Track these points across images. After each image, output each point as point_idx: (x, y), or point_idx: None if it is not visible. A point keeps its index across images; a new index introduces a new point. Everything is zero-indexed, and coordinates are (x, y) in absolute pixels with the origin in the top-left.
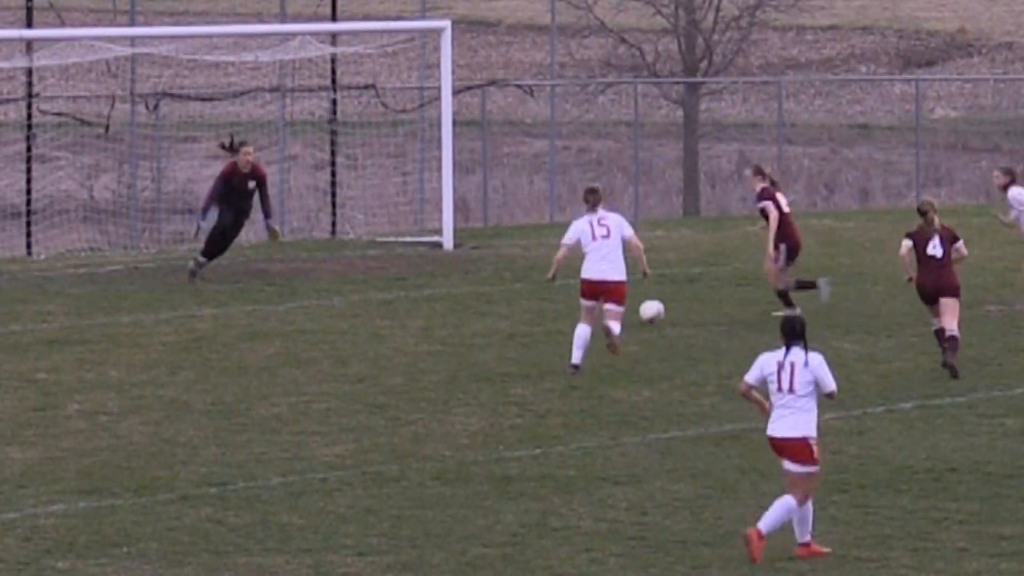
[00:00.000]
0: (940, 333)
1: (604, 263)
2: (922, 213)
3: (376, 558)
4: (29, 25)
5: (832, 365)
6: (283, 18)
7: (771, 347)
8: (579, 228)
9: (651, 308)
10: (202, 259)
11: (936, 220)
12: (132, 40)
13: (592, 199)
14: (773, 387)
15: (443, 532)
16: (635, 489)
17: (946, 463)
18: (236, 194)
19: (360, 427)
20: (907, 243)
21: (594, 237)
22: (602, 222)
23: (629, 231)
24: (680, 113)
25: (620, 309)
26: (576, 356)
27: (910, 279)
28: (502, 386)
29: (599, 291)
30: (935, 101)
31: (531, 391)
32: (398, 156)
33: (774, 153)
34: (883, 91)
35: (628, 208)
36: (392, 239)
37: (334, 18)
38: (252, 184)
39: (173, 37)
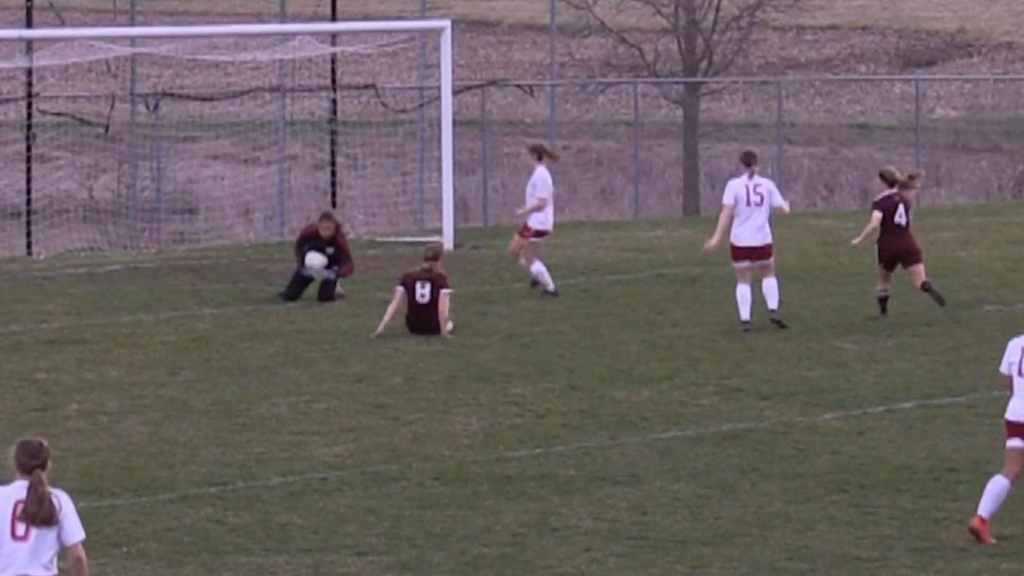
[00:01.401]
0: (884, 301)
1: (757, 231)
2: (902, 181)
3: (376, 558)
4: (29, 25)
5: (832, 365)
6: (283, 18)
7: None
8: (735, 190)
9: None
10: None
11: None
12: (132, 40)
13: (749, 161)
14: (1014, 371)
15: (443, 532)
16: (635, 489)
17: (946, 463)
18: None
19: (360, 427)
20: (877, 215)
21: (748, 202)
22: (757, 189)
23: (779, 199)
24: (680, 113)
25: (769, 262)
26: (744, 313)
27: (857, 245)
28: (502, 386)
29: (749, 255)
30: (935, 101)
31: (531, 391)
32: (398, 156)
33: (774, 153)
34: (883, 91)
35: (628, 208)
36: (392, 239)
37: (334, 18)
38: (331, 251)
39: (173, 37)
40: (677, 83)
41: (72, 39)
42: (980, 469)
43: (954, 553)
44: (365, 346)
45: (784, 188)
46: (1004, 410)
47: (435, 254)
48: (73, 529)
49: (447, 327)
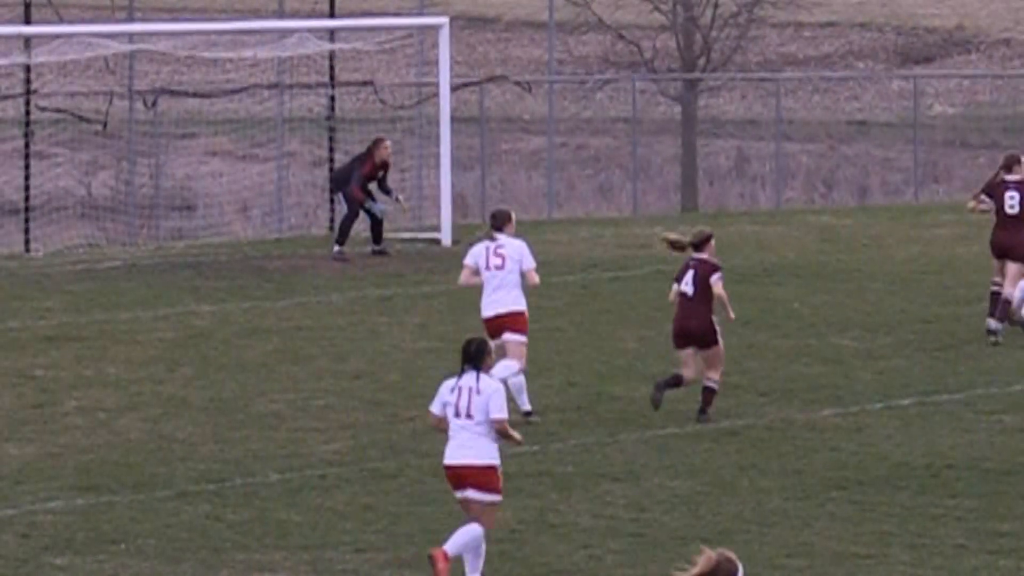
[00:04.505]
0: (995, 295)
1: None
2: (1007, 167)
3: (374, 554)
4: (27, 22)
5: (830, 362)
6: (281, 14)
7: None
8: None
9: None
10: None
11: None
12: (130, 36)
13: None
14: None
15: (441, 529)
16: (633, 486)
17: (944, 460)
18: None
19: (358, 423)
20: (987, 200)
21: (488, 266)
22: (499, 251)
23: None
24: (678, 110)
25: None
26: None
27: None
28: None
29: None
30: (933, 98)
31: (529, 387)
32: (396, 153)
33: (772, 150)
34: (881, 88)
35: (626, 204)
36: (390, 235)
37: (332, 14)
38: (381, 173)
39: (171, 33)
40: (675, 80)
41: (70, 36)
42: (978, 466)
43: (952, 550)
44: (364, 342)
45: (782, 185)
46: (1003, 406)
47: (702, 239)
48: None
49: (731, 314)
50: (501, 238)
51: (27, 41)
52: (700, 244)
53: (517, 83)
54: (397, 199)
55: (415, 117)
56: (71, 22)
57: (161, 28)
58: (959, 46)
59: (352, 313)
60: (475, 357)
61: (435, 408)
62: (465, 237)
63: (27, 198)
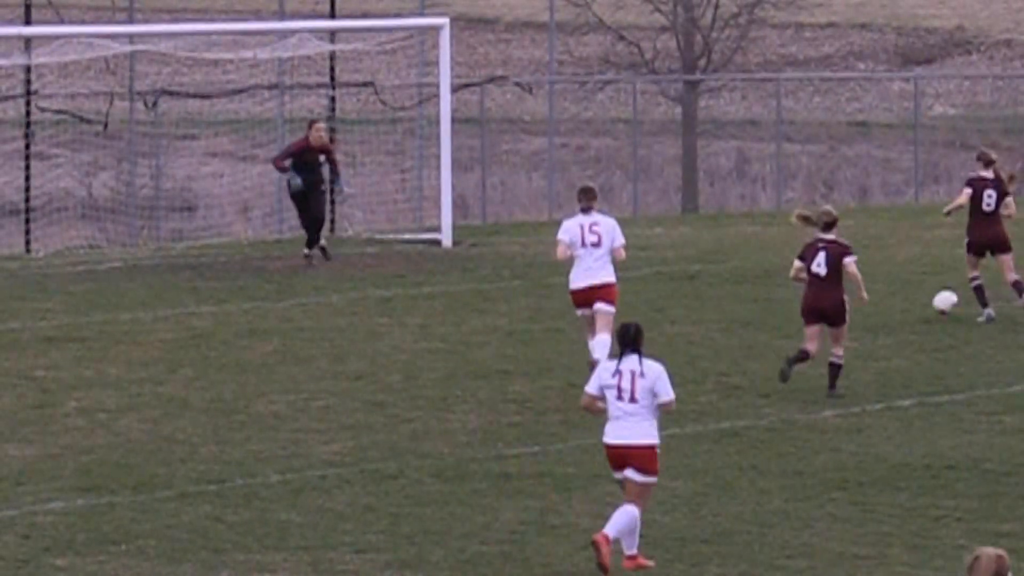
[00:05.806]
0: (980, 289)
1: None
2: (987, 163)
3: (374, 556)
4: (28, 22)
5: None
6: (281, 15)
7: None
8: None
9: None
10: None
11: (998, 173)
12: (131, 37)
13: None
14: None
15: (442, 530)
16: None
17: (944, 460)
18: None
19: (359, 425)
20: (967, 191)
21: (584, 243)
22: (594, 228)
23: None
24: (679, 110)
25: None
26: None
27: (948, 213)
28: (501, 384)
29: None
30: (934, 99)
31: (530, 388)
32: (397, 153)
33: (772, 151)
34: (882, 88)
35: (627, 205)
36: (390, 236)
37: (333, 15)
38: (321, 159)
39: (172, 34)
40: (676, 80)
41: (71, 36)
42: (978, 466)
43: (952, 550)
44: (364, 343)
45: (783, 186)
46: (1004, 407)
47: (830, 220)
48: None
49: (864, 294)
50: (595, 215)
51: (27, 42)
52: (829, 225)
53: (517, 84)
54: (341, 189)
55: (415, 118)
56: (71, 23)
57: (161, 29)
58: (959, 47)
59: (352, 314)
60: (635, 340)
61: (592, 388)
62: (466, 238)
63: (28, 199)
